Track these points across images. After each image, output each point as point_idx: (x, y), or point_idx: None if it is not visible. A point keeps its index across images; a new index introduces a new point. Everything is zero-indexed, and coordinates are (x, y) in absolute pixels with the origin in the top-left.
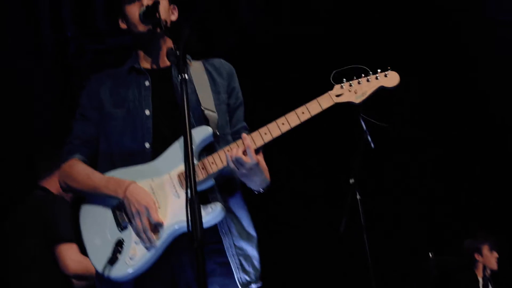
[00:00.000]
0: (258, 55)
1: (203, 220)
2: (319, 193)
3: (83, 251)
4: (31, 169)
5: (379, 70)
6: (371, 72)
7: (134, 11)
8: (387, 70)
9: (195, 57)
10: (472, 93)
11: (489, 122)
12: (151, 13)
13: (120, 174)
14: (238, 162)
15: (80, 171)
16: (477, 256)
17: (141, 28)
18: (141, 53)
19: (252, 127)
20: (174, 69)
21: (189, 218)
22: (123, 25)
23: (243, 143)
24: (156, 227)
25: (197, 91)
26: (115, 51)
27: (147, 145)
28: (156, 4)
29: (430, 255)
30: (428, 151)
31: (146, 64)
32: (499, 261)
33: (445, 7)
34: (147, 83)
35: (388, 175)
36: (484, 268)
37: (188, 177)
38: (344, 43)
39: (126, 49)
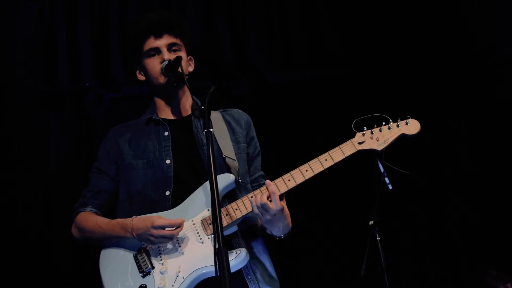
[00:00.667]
0: (272, 100)
1: (232, 264)
2: (338, 236)
3: None
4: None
5: (399, 119)
6: (391, 120)
7: (154, 64)
8: (407, 118)
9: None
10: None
11: None
12: (173, 67)
13: None
14: (263, 208)
15: (89, 221)
16: None
17: (162, 80)
18: (159, 104)
19: (267, 171)
20: (193, 118)
21: (218, 267)
22: (141, 77)
23: (268, 190)
24: (182, 271)
25: (218, 140)
26: (132, 99)
27: (167, 193)
28: (178, 59)
29: None
30: (447, 191)
31: (164, 114)
32: None
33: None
34: (166, 133)
35: (407, 215)
36: None
37: (216, 229)
38: (361, 86)
39: (142, 97)
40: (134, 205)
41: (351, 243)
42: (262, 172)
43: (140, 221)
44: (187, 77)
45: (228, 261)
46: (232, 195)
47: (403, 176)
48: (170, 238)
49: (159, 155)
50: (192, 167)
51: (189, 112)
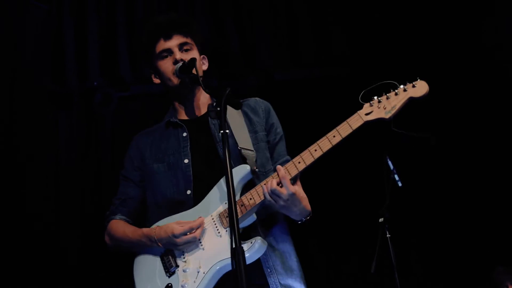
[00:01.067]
0: (280, 97)
1: (249, 255)
2: (349, 234)
3: None
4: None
5: (407, 82)
6: (398, 86)
7: (167, 66)
8: (417, 79)
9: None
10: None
11: None
12: (187, 68)
13: (167, 222)
14: (274, 194)
15: (119, 229)
16: None
17: (175, 81)
18: (177, 105)
19: None
20: (210, 116)
21: (234, 265)
22: (156, 80)
23: (278, 175)
24: (202, 266)
25: (234, 133)
26: (140, 98)
27: (188, 192)
28: (193, 61)
29: None
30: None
31: (182, 115)
32: None
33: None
34: (184, 134)
35: (417, 213)
36: None
37: (232, 228)
38: (366, 84)
39: (150, 96)
40: (161, 208)
41: (361, 240)
42: (287, 157)
43: (162, 231)
44: (201, 78)
45: (245, 262)
46: (251, 185)
47: (413, 174)
48: (193, 241)
49: (178, 156)
50: (210, 164)
51: (206, 110)
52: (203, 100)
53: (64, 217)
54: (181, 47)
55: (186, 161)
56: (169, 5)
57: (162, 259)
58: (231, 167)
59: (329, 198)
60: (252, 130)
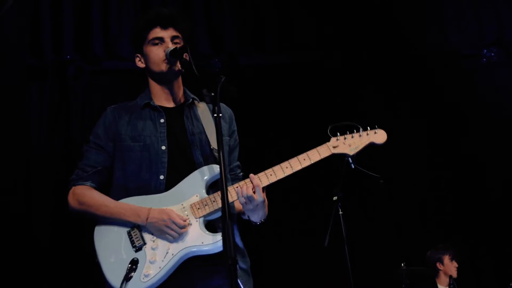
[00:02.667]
0: (244, 81)
1: (216, 246)
2: (306, 210)
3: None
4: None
5: (368, 128)
6: (361, 128)
7: (158, 52)
8: (375, 127)
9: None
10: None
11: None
12: (178, 53)
13: (136, 201)
14: (248, 198)
15: (94, 197)
16: (439, 265)
17: (164, 67)
18: (156, 90)
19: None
20: (185, 108)
21: (225, 239)
22: (140, 64)
23: (252, 182)
24: (172, 248)
25: (206, 132)
26: (110, 73)
27: (161, 177)
28: (185, 47)
29: (402, 265)
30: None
31: (159, 101)
32: (458, 270)
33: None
34: (162, 120)
35: (366, 193)
36: (450, 277)
37: (224, 206)
38: (329, 70)
39: (120, 72)
40: (129, 184)
41: (316, 216)
42: (238, 163)
43: (155, 213)
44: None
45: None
46: (215, 184)
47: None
48: (177, 234)
49: (155, 139)
50: (183, 154)
51: (182, 101)
52: (180, 91)
53: (36, 188)
54: (172, 39)
55: (163, 147)
56: None
57: (129, 234)
58: (223, 151)
59: (288, 179)
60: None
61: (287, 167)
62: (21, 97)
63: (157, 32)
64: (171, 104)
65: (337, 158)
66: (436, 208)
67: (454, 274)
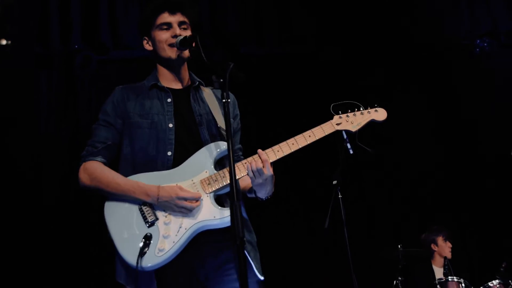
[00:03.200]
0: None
1: (225, 220)
2: (308, 194)
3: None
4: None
5: (369, 106)
6: (362, 107)
7: (165, 37)
8: (375, 106)
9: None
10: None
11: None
12: (188, 42)
13: (145, 178)
14: (258, 172)
15: (105, 173)
16: (433, 247)
17: (170, 52)
18: (163, 72)
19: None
20: (191, 90)
21: (233, 219)
22: (148, 47)
23: (260, 158)
24: (184, 223)
25: (212, 113)
26: (117, 62)
27: (169, 153)
28: (195, 36)
29: (399, 247)
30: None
31: (166, 83)
32: (452, 251)
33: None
34: (169, 100)
35: (365, 177)
36: (445, 258)
37: (232, 187)
38: (327, 61)
39: (127, 61)
40: (136, 160)
41: (317, 199)
42: (240, 145)
43: (165, 191)
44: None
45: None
46: (221, 161)
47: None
48: (190, 210)
49: (162, 118)
50: (190, 132)
51: (188, 83)
52: (187, 74)
53: (46, 173)
54: (180, 24)
55: (170, 125)
56: None
57: (140, 210)
58: (231, 135)
59: (291, 164)
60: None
61: (293, 144)
62: (30, 84)
63: (165, 17)
64: (178, 86)
65: (335, 143)
66: (430, 191)
67: (449, 255)
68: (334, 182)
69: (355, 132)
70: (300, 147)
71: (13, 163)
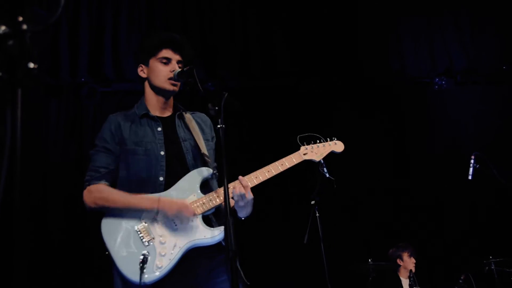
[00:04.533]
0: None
1: (216, 239)
2: (288, 212)
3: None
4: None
5: (328, 139)
6: (323, 139)
7: (165, 70)
8: (334, 139)
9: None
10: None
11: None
12: (185, 74)
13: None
14: (241, 196)
15: (113, 192)
16: (399, 261)
17: (167, 85)
18: (152, 101)
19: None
20: (176, 118)
21: (227, 233)
22: (142, 74)
23: (242, 183)
24: (178, 242)
25: (195, 139)
26: (119, 94)
27: (161, 178)
28: (192, 69)
29: (369, 261)
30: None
31: (155, 111)
32: (416, 265)
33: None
34: (159, 128)
35: (339, 197)
36: (410, 271)
37: (226, 204)
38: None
39: (128, 93)
40: (131, 183)
41: (297, 217)
42: (215, 164)
43: (168, 200)
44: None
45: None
46: (205, 184)
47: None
48: (186, 217)
49: (155, 146)
50: (178, 158)
51: (173, 111)
52: (171, 103)
53: (51, 188)
54: (178, 62)
55: (162, 153)
56: (147, 17)
57: (137, 230)
58: (225, 157)
59: (272, 185)
60: (205, 139)
61: (268, 171)
62: (40, 112)
63: (167, 53)
64: (165, 114)
65: (312, 167)
66: (397, 212)
67: (413, 269)
68: (312, 202)
69: (319, 161)
70: (275, 174)
71: (22, 183)
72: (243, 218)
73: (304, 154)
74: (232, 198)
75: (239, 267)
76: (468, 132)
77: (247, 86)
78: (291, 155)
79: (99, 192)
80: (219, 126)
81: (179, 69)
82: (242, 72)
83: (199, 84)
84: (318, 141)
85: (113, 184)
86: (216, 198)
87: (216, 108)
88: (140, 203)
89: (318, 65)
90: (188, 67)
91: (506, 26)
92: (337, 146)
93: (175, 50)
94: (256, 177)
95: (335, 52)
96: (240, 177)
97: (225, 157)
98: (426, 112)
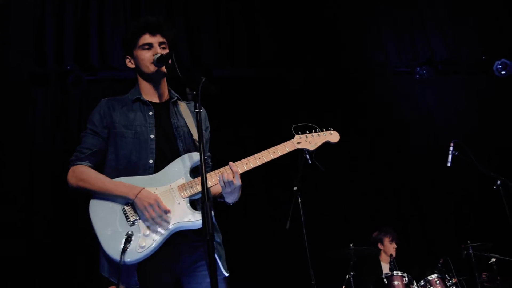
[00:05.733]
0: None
1: (197, 223)
2: (271, 198)
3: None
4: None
5: (324, 129)
6: (318, 129)
7: (147, 56)
8: (330, 129)
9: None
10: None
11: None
12: (164, 59)
13: (127, 181)
14: (228, 183)
15: (92, 175)
16: (380, 246)
17: (152, 69)
18: (145, 87)
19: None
20: (170, 104)
21: (204, 219)
22: (130, 65)
23: (231, 169)
24: (164, 222)
25: (188, 126)
26: (105, 82)
27: (150, 161)
28: (171, 54)
29: (351, 245)
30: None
31: (148, 97)
32: (396, 250)
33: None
34: (150, 113)
35: (321, 184)
36: (391, 255)
37: (204, 190)
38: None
39: (114, 81)
40: (120, 165)
41: (280, 203)
42: (209, 153)
43: (146, 192)
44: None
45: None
46: (196, 169)
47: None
48: (155, 216)
49: (145, 129)
50: (169, 143)
51: (167, 98)
52: (165, 90)
53: (37, 181)
54: (160, 44)
55: (152, 136)
56: (132, 5)
57: (123, 210)
58: (203, 141)
59: (255, 172)
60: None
61: (259, 158)
62: (27, 100)
63: (147, 39)
64: (158, 100)
65: (296, 154)
66: (377, 198)
67: (393, 253)
68: (295, 188)
69: (313, 151)
70: (266, 161)
71: (8, 170)
72: (231, 203)
73: (298, 143)
74: (219, 183)
75: (217, 257)
76: (448, 121)
77: (232, 75)
78: (284, 143)
79: (80, 173)
80: (196, 110)
81: (159, 55)
82: (227, 62)
83: (177, 69)
84: (313, 131)
85: (99, 166)
86: (201, 184)
87: (194, 92)
88: (116, 189)
89: (301, 56)
90: (167, 52)
91: (486, 17)
92: (333, 136)
93: (153, 33)
94: (246, 163)
95: (318, 43)
96: (230, 163)
97: (202, 142)
98: (407, 101)
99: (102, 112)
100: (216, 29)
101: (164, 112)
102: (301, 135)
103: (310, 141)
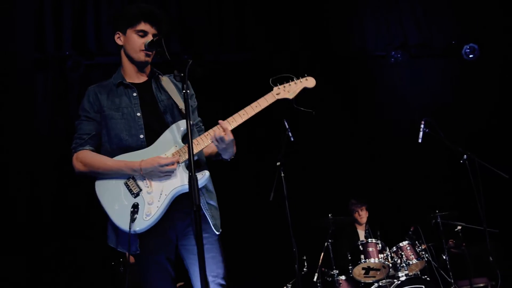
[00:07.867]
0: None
1: (199, 182)
2: (256, 172)
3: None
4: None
5: (300, 77)
6: (294, 78)
7: (140, 42)
8: (306, 75)
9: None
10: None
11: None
12: (155, 44)
13: (126, 157)
14: (220, 139)
15: (95, 158)
16: (355, 215)
17: (142, 56)
18: (128, 69)
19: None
20: (152, 82)
21: (191, 190)
22: (119, 41)
23: (222, 126)
24: (164, 190)
25: (172, 97)
26: (102, 66)
27: (141, 136)
28: (161, 39)
29: (329, 215)
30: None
31: (130, 79)
32: (370, 218)
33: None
34: (134, 94)
35: (303, 159)
36: (366, 223)
37: (190, 160)
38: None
39: (110, 65)
40: (113, 146)
41: (264, 177)
42: (200, 118)
43: (147, 163)
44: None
45: (198, 186)
46: (186, 136)
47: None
48: (172, 172)
49: (131, 109)
50: (156, 117)
51: (149, 76)
52: (148, 69)
53: (40, 163)
54: (154, 36)
55: (138, 114)
56: None
57: (126, 184)
58: (190, 118)
59: (242, 147)
60: (183, 96)
61: (244, 114)
62: (29, 85)
63: (145, 26)
64: (141, 80)
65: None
66: (354, 172)
67: (365, 221)
68: (278, 163)
69: (292, 99)
70: (250, 116)
71: (10, 153)
72: (229, 159)
73: (277, 94)
74: (212, 142)
75: (209, 218)
76: (420, 101)
77: (222, 59)
78: (265, 96)
79: (84, 158)
80: (183, 91)
81: (149, 40)
82: (217, 46)
83: (166, 53)
84: (290, 80)
85: (98, 149)
86: (196, 146)
87: (182, 74)
88: (121, 168)
89: (288, 40)
90: (157, 37)
91: (458, 2)
92: (309, 82)
93: (152, 24)
94: (233, 121)
95: (304, 28)
96: (219, 121)
97: (189, 120)
98: (383, 83)
99: (91, 99)
100: (207, 15)
101: (147, 90)
102: (279, 86)
103: (288, 90)
